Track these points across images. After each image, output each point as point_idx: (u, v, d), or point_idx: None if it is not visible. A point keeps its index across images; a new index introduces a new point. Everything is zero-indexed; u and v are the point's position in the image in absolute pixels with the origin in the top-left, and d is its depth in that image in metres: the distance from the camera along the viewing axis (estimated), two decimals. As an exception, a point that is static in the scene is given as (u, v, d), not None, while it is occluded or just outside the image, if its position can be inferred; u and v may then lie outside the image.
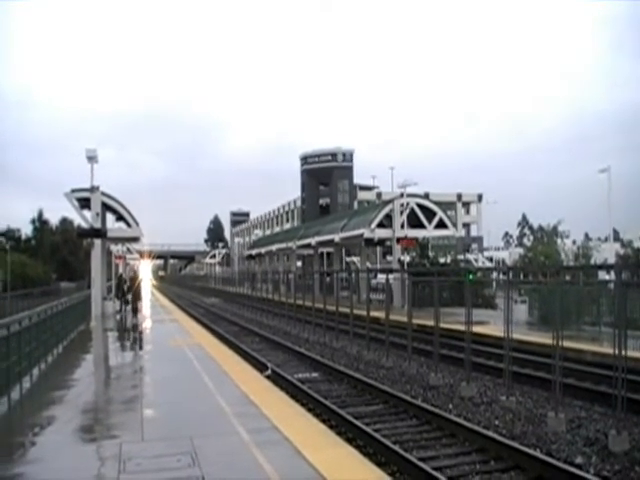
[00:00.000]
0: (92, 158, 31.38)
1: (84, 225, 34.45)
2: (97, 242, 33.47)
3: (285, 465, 8.07)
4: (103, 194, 33.74)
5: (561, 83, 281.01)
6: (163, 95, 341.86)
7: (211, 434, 9.75)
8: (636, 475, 10.04)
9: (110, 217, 37.14)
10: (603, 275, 34.32)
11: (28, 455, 8.99)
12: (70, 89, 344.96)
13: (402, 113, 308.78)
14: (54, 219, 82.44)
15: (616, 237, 68.61)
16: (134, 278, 33.17)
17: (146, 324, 28.85)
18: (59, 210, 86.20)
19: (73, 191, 33.71)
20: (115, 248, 53.82)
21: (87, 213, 33.57)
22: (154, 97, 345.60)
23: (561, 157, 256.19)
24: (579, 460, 10.74)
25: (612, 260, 45.20)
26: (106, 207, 34.75)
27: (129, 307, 32.42)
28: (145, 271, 46.17)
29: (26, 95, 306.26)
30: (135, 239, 42.20)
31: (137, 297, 31.15)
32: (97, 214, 32.78)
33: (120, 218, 36.92)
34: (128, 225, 36.46)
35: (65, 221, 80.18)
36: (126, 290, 35.18)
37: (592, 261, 43.97)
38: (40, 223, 79.54)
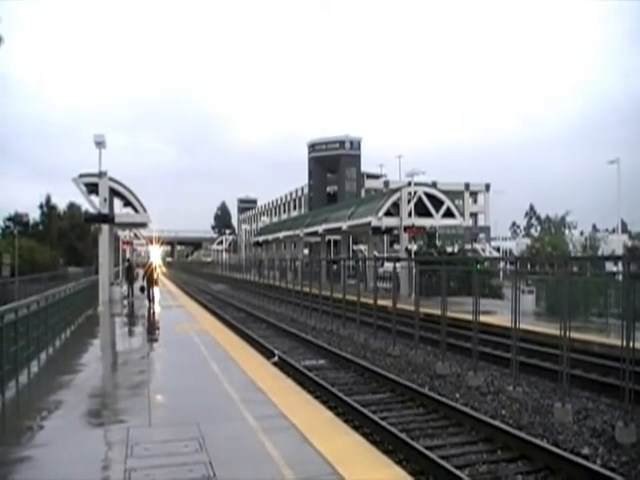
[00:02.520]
0: (100, 143, 31.29)
1: (92, 210, 34.42)
2: (104, 227, 33.48)
3: (292, 451, 8.07)
4: (111, 179, 33.70)
5: (571, 72, 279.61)
6: (173, 83, 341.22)
7: (218, 420, 9.76)
8: (643, 467, 10.02)
9: (118, 203, 37.10)
10: (611, 267, 34.27)
11: (36, 439, 8.98)
12: (81, 75, 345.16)
13: (411, 102, 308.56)
14: (62, 204, 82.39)
15: (624, 229, 68.43)
16: (149, 265, 32.90)
17: (154, 310, 28.86)
18: (67, 195, 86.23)
19: (81, 176, 33.67)
20: (122, 234, 53.82)
21: (95, 198, 33.52)
22: (165, 85, 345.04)
23: (570, 148, 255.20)
24: (586, 451, 10.74)
25: (620, 252, 45.05)
26: (114, 192, 34.71)
27: (137, 292, 32.48)
28: (155, 257, 46.05)
29: (36, 81, 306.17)
30: (143, 225, 42.11)
31: (152, 284, 31.07)
32: (105, 199, 32.73)
33: (128, 204, 36.87)
34: (136, 211, 36.43)
35: (73, 206, 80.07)
36: (136, 276, 35.36)
37: (600, 252, 43.89)
38: (48, 208, 79.39)
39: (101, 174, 32.50)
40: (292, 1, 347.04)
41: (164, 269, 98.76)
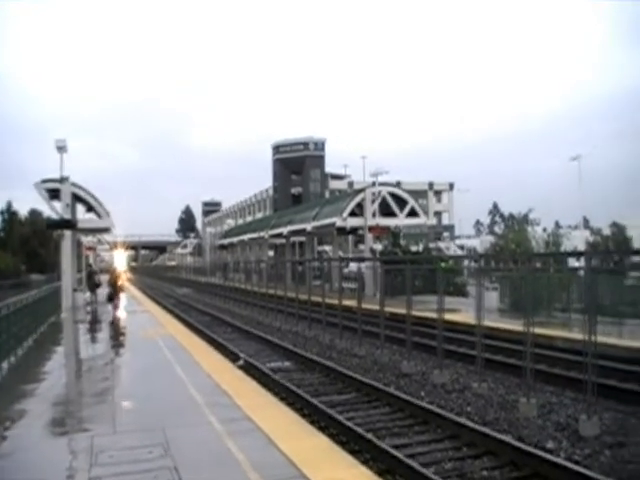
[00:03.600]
0: (61, 148, 31.00)
1: (54, 216, 34.05)
2: (67, 233, 33.10)
3: (257, 454, 8.06)
4: (73, 185, 33.36)
5: (534, 72, 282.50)
6: (136, 85, 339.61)
7: (183, 425, 9.71)
8: (606, 459, 10.15)
9: (81, 208, 36.73)
10: (573, 262, 34.66)
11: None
12: (42, 79, 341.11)
13: (375, 103, 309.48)
14: (24, 210, 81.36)
15: (586, 225, 69.32)
16: (113, 271, 32.30)
17: (118, 315, 28.58)
18: (29, 201, 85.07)
19: (43, 182, 33.29)
20: (86, 239, 53.29)
21: (57, 204, 33.16)
22: (128, 87, 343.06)
23: (533, 147, 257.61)
24: (550, 445, 10.85)
25: (582, 247, 45.61)
26: (76, 198, 34.35)
27: (102, 299, 32.09)
28: (120, 262, 45.61)
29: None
30: (106, 230, 41.76)
31: (117, 290, 30.41)
32: (67, 205, 32.41)
33: (90, 209, 36.49)
34: (99, 216, 36.08)
35: (35, 212, 79.11)
36: (98, 282, 34.97)
37: (562, 249, 44.35)
38: (9, 214, 78.41)
39: (63, 179, 32.19)
40: (252, 2, 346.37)
41: (129, 275, 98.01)
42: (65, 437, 9.45)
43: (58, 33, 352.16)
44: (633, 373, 15.47)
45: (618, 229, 68.65)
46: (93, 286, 35.84)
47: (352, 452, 9.75)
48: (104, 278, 38.34)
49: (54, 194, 33.20)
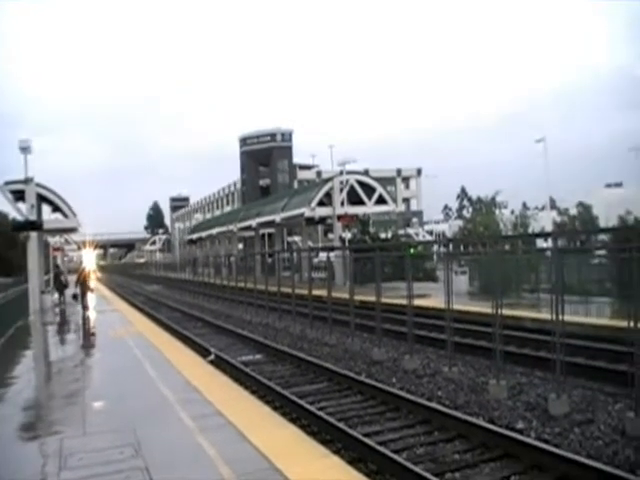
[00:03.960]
0: (25, 149, 30.50)
1: (19, 218, 33.64)
2: (33, 235, 32.67)
3: (229, 449, 8.06)
4: (38, 185, 32.94)
5: (499, 59, 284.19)
6: (100, 80, 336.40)
7: (154, 423, 9.66)
8: (575, 437, 10.26)
9: (46, 209, 36.40)
10: (542, 243, 34.96)
11: (-33, 456, 8.76)
12: (6, 76, 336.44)
13: (342, 92, 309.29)
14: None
15: (553, 205, 69.91)
16: (81, 271, 31.61)
17: (87, 316, 28.29)
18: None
19: (7, 183, 32.78)
20: (53, 240, 52.76)
21: (22, 205, 32.70)
22: (92, 82, 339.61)
23: (499, 130, 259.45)
24: (520, 425, 10.96)
25: (549, 228, 46.04)
26: (42, 198, 33.99)
27: (70, 299, 31.66)
28: (89, 262, 45.12)
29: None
30: (72, 230, 41.45)
31: (85, 290, 29.57)
32: (32, 206, 31.94)
33: (56, 209, 36.21)
34: (65, 216, 35.79)
35: (0, 214, 78.24)
36: (65, 282, 34.55)
37: (530, 230, 44.71)
38: (-27, 217, 77.49)
39: (27, 180, 31.72)
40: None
41: (98, 274, 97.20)
42: (34, 441, 9.34)
43: (18, 30, 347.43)
44: (600, 350, 15.68)
45: (584, 209, 69.45)
46: (60, 287, 35.46)
47: (324, 442, 9.78)
48: (72, 278, 37.93)
49: (19, 195, 32.75)
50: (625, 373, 13.64)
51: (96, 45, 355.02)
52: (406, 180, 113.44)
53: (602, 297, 21.47)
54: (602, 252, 25.16)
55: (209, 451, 7.98)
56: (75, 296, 29.49)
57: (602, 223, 58.11)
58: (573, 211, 71.47)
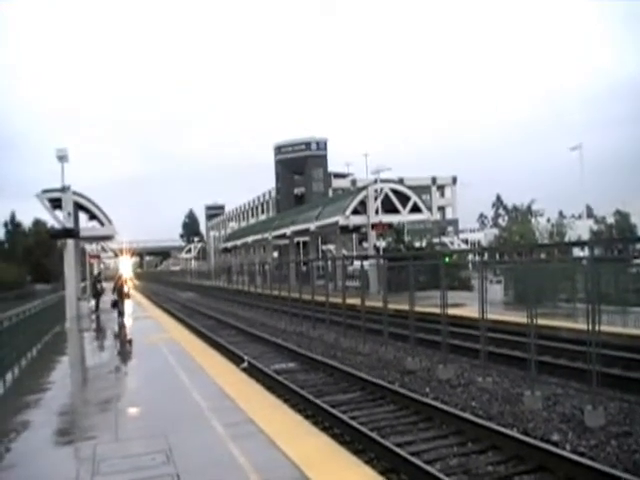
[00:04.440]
0: (62, 157, 30.92)
1: (57, 226, 34.07)
2: (70, 242, 33.09)
3: (260, 457, 8.03)
4: (75, 193, 33.37)
5: (535, 61, 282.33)
6: (138, 91, 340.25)
7: (186, 430, 9.66)
8: (612, 449, 10.09)
9: (83, 216, 36.80)
10: (578, 252, 34.60)
11: (2, 462, 8.82)
12: (42, 87, 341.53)
13: (377, 99, 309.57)
14: (27, 221, 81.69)
15: (589, 214, 69.22)
16: (118, 278, 31.47)
17: (122, 323, 28.46)
18: (33, 211, 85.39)
19: (44, 192, 33.34)
20: (89, 247, 53.36)
21: (59, 213, 33.11)
22: (129, 94, 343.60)
23: (534, 135, 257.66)
24: (555, 437, 10.80)
25: (586, 237, 45.54)
26: (78, 206, 34.42)
27: (107, 306, 31.81)
28: (126, 269, 45.44)
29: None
30: (109, 237, 41.87)
31: (123, 297, 29.13)
32: (69, 214, 32.33)
33: (93, 217, 36.58)
34: (101, 224, 36.17)
35: (38, 223, 79.36)
36: (100, 290, 34.82)
37: (566, 238, 44.25)
38: (13, 226, 78.81)
39: (64, 189, 32.13)
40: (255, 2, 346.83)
41: (135, 281, 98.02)
42: (68, 447, 9.41)
43: (56, 36, 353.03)
44: (638, 361, 15.43)
45: (622, 217, 68.64)
46: (97, 294, 35.80)
47: (356, 452, 9.74)
48: (108, 286, 38.23)
49: (56, 203, 33.20)
50: (663, 385, 13.48)
51: (132, 52, 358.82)
52: (441, 188, 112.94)
53: (640, 307, 21.15)
54: (640, 261, 24.81)
55: (239, 459, 7.97)
56: (114, 304, 29.51)
57: (640, 231, 57.36)
58: (610, 219, 70.74)
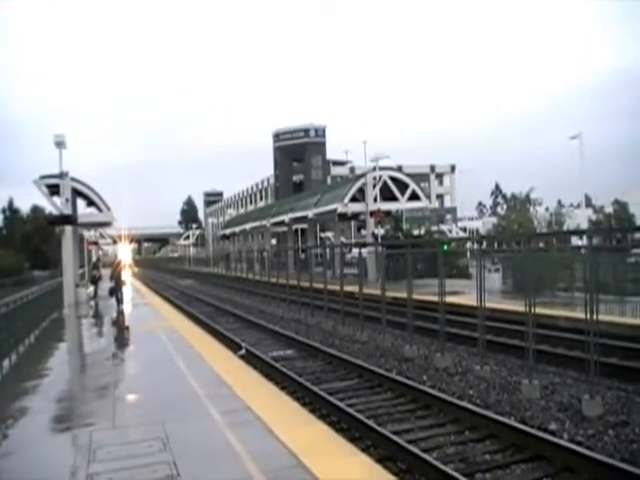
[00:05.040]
0: (60, 144, 30.83)
1: (55, 212, 33.97)
2: (68, 229, 32.99)
3: (257, 445, 8.01)
4: (73, 179, 33.25)
5: (535, 53, 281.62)
6: (137, 78, 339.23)
7: (183, 418, 9.65)
8: (609, 439, 10.08)
9: (81, 203, 36.65)
10: (576, 241, 34.60)
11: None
12: (41, 73, 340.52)
13: (376, 87, 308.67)
14: (25, 207, 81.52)
15: (588, 203, 69.22)
16: (116, 264, 30.50)
17: (120, 309, 28.41)
18: (31, 198, 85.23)
19: (42, 178, 33.15)
20: (87, 234, 53.24)
21: (57, 200, 33.03)
22: (128, 81, 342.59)
23: (533, 126, 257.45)
24: (553, 426, 10.79)
25: (585, 226, 45.52)
26: (76, 193, 34.25)
27: (105, 293, 31.74)
28: (124, 255, 45.26)
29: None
30: (107, 224, 41.63)
31: (120, 284, 28.74)
32: (67, 200, 32.26)
33: (91, 203, 36.38)
34: (99, 210, 35.99)
35: (36, 209, 79.17)
36: (98, 277, 34.81)
37: (565, 227, 44.29)
38: (11, 212, 78.67)
39: (62, 175, 32.05)
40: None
41: (134, 268, 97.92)
42: (65, 434, 9.40)
43: (56, 29, 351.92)
44: (636, 350, 15.43)
45: (620, 206, 68.62)
46: (94, 280, 35.79)
47: (353, 440, 9.76)
48: (107, 272, 38.14)
49: (54, 190, 33.07)
50: (661, 374, 13.49)
51: (134, 41, 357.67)
52: (440, 177, 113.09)
53: (638, 297, 21.13)
54: (638, 250, 24.80)
55: (236, 446, 7.95)
56: (112, 291, 29.35)
57: (639, 221, 57.37)
58: (609, 209, 70.72)
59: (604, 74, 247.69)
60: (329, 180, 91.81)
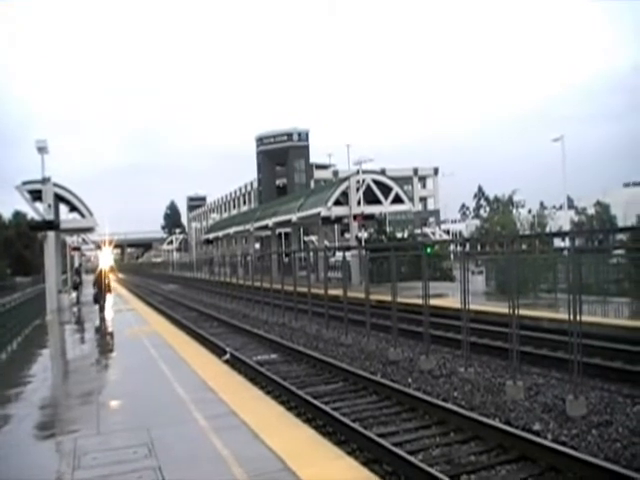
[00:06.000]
0: (42, 149, 30.67)
1: (37, 218, 33.79)
2: (50, 234, 32.81)
3: (242, 449, 7.99)
4: (55, 185, 33.07)
5: (519, 54, 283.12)
6: (118, 83, 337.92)
7: (168, 423, 9.61)
8: (593, 439, 10.14)
9: (64, 208, 36.49)
10: (559, 243, 34.79)
11: (-19, 457, 8.75)
12: (21, 77, 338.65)
13: (359, 91, 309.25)
14: (7, 213, 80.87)
15: (570, 205, 69.63)
16: (100, 271, 29.59)
17: (104, 315, 28.26)
18: (12, 203, 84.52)
19: (24, 183, 32.96)
20: (70, 239, 52.96)
21: (40, 205, 32.85)
22: (109, 82, 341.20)
23: (516, 129, 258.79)
24: (537, 427, 10.84)
25: (567, 227, 45.80)
26: (59, 198, 34.08)
27: (88, 299, 31.56)
28: (107, 261, 44.91)
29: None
30: (89, 229, 41.47)
31: (104, 290, 28.42)
32: (49, 206, 32.08)
33: (74, 209, 36.23)
34: (82, 215, 35.82)
35: (18, 214, 78.64)
36: (79, 283, 34.65)
37: (547, 229, 44.50)
38: (-8, 218, 77.99)
39: (44, 180, 31.89)
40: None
41: (119, 274, 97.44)
42: (49, 440, 9.33)
43: (37, 30, 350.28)
44: (618, 351, 15.55)
45: (602, 208, 69.07)
46: (75, 285, 35.61)
47: (338, 443, 9.77)
48: (89, 278, 37.96)
49: (37, 195, 32.89)
50: (644, 374, 13.58)
51: (112, 44, 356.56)
52: (423, 179, 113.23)
53: (620, 297, 21.30)
54: (620, 252, 24.99)
55: (222, 451, 7.93)
56: (96, 298, 29.04)
57: (620, 222, 57.76)
58: (591, 210, 71.17)
59: (587, 77, 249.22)
60: (312, 184, 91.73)
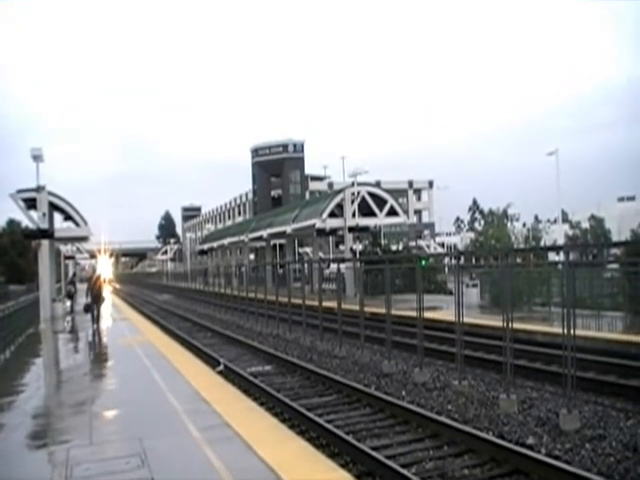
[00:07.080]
0: (37, 157, 30.71)
1: (31, 226, 33.74)
2: (44, 243, 32.79)
3: (235, 461, 7.98)
4: (50, 193, 33.07)
5: (513, 68, 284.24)
6: (114, 92, 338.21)
7: (161, 434, 9.59)
8: (587, 453, 10.13)
9: (58, 217, 36.45)
10: (554, 257, 34.85)
11: (-27, 467, 8.71)
12: (17, 85, 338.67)
13: (355, 103, 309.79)
14: (1, 221, 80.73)
15: (565, 218, 69.75)
16: (95, 280, 28.80)
17: (97, 325, 28.15)
18: (6, 211, 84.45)
19: (19, 191, 32.93)
20: (64, 248, 52.86)
21: (34, 214, 32.82)
22: (105, 95, 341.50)
23: (511, 142, 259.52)
24: (530, 441, 10.82)
25: (561, 241, 45.85)
26: (53, 207, 34.07)
27: (79, 308, 31.47)
28: (102, 270, 44.76)
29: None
30: (84, 238, 41.43)
31: (98, 300, 27.79)
32: (44, 214, 32.07)
33: (68, 217, 36.19)
34: (76, 224, 35.78)
35: (12, 222, 78.52)
36: (74, 292, 34.50)
37: (542, 243, 44.56)
38: (-15, 226, 77.78)
39: (39, 188, 31.90)
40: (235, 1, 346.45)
41: (115, 284, 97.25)
42: (41, 450, 9.31)
43: (31, 35, 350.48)
44: (612, 365, 15.56)
45: (596, 222, 69.23)
46: (69, 294, 35.52)
47: (332, 455, 9.75)
48: (83, 287, 37.80)
49: (31, 203, 32.85)
50: (637, 389, 13.60)
51: (111, 49, 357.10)
52: (418, 192, 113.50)
53: (614, 311, 21.32)
54: (614, 266, 25.04)
55: (215, 463, 7.91)
56: (87, 308, 28.83)
57: (614, 237, 57.90)
58: (585, 224, 71.34)
59: (582, 89, 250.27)
60: (307, 195, 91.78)
